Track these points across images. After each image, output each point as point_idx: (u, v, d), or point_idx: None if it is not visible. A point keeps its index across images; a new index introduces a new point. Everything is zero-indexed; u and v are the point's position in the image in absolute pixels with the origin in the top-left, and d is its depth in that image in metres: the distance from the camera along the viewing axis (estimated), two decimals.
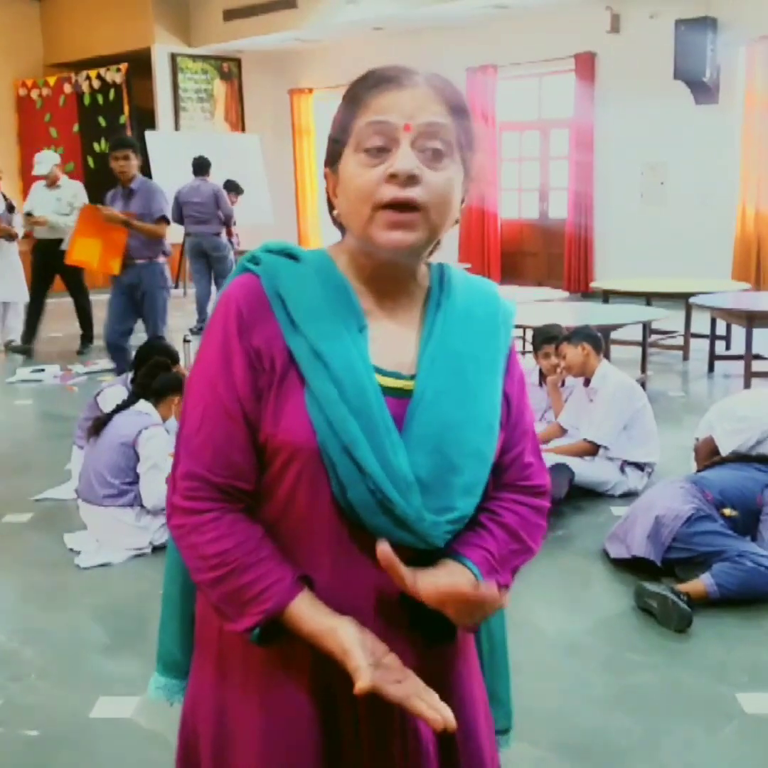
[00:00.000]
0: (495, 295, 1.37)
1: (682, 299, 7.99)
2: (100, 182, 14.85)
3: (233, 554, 1.21)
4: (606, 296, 8.63)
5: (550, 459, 4.72)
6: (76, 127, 15.19)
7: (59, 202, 8.68)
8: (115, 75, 14.52)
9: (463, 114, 1.23)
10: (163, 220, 6.56)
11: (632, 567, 3.84)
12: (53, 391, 7.31)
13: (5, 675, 3.19)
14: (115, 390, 4.58)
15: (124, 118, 14.49)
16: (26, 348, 8.91)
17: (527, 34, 12.38)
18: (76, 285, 9.00)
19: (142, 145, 13.22)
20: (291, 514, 1.24)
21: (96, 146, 14.93)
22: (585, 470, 4.72)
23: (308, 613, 1.20)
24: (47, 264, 8.69)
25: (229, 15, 13.84)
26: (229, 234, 10.25)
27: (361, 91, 1.22)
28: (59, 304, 9.68)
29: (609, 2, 11.55)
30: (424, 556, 1.25)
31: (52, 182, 8.74)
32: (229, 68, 15.29)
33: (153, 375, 4.41)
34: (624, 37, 11.75)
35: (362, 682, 1.14)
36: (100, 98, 14.78)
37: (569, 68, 12.29)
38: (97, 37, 14.75)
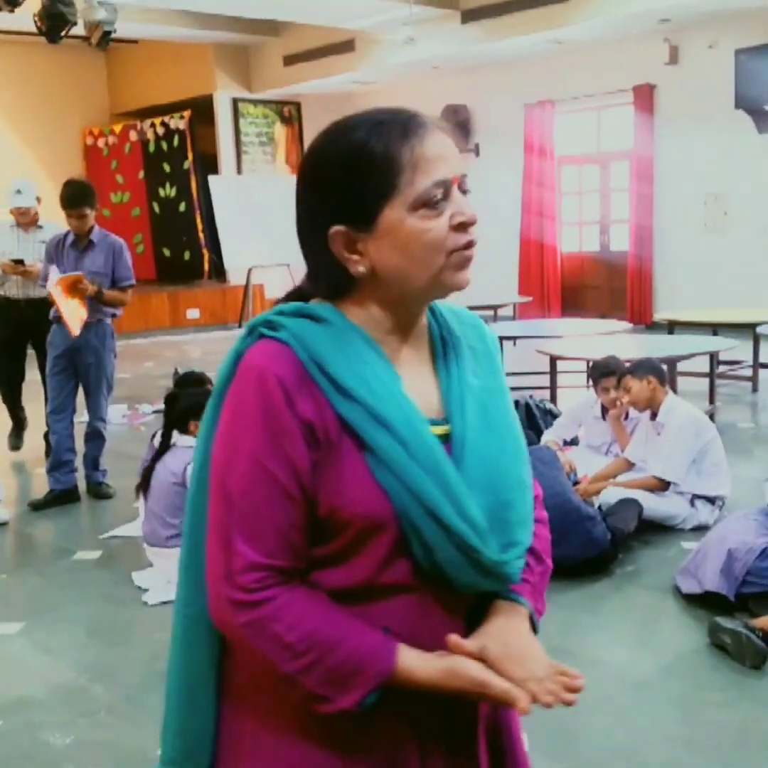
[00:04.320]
0: (479, 321, 1.37)
1: (749, 329, 7.87)
2: (165, 227, 15.29)
3: (320, 633, 1.15)
4: (671, 327, 8.53)
5: (618, 493, 4.66)
6: (141, 174, 15.57)
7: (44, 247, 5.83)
8: (178, 122, 14.85)
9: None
10: (130, 288, 5.56)
11: (704, 602, 3.75)
12: (121, 430, 7.41)
13: (75, 711, 3.22)
14: None
15: (188, 164, 14.82)
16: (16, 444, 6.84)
17: (585, 69, 12.39)
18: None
19: (205, 190, 13.55)
20: (363, 580, 1.19)
21: (161, 191, 15.29)
22: (654, 504, 4.64)
23: (417, 661, 1.17)
24: (23, 330, 6.15)
25: (289, 60, 14.10)
26: None
27: (392, 145, 1.16)
28: (129, 345, 9.83)
29: (667, 34, 11.52)
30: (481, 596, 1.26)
31: (31, 222, 6.15)
32: (290, 112, 15.53)
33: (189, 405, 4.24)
34: (683, 67, 11.69)
35: (522, 702, 1.15)
36: (164, 145, 15.13)
37: (628, 101, 12.26)
38: (161, 86, 15.14)
